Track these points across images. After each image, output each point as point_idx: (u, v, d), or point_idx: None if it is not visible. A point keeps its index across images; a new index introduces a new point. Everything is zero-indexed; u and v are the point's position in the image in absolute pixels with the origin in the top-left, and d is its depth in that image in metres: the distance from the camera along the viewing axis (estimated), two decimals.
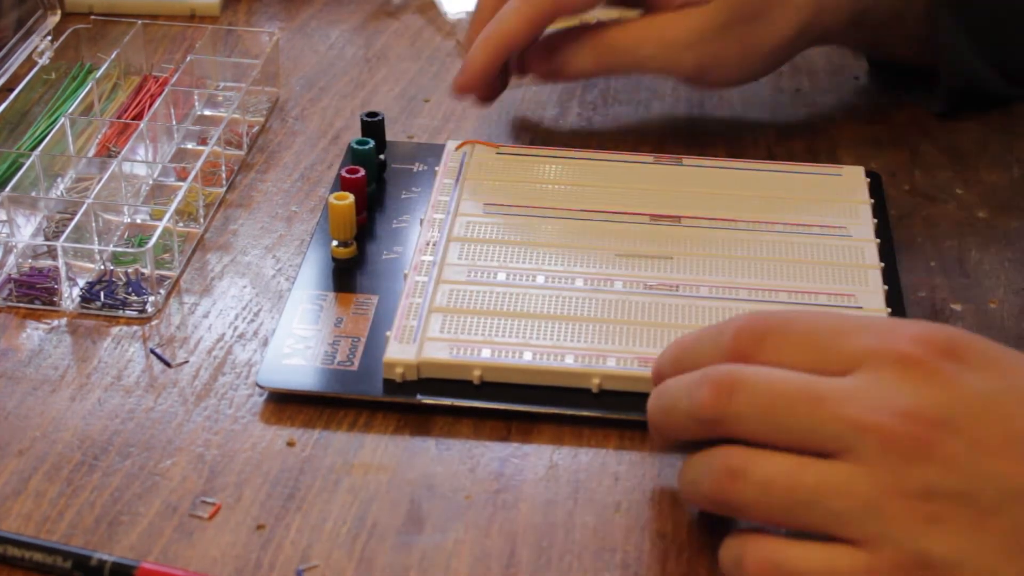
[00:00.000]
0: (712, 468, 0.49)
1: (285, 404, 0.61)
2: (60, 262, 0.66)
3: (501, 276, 0.66)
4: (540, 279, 0.65)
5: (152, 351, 0.64)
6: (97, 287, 0.67)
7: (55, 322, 0.66)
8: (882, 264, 0.67)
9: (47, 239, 0.70)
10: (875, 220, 0.70)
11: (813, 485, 0.46)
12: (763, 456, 0.47)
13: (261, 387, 0.61)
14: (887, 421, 0.46)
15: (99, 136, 0.77)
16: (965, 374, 0.47)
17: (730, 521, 0.54)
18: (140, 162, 0.75)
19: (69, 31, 0.84)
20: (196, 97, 0.80)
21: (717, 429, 0.48)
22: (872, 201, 0.71)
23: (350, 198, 0.67)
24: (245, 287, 0.68)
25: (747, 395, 0.48)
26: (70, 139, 0.75)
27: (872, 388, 0.47)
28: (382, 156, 0.75)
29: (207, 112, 0.80)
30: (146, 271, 0.67)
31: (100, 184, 0.71)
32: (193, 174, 0.71)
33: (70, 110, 0.76)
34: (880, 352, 0.47)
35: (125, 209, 0.71)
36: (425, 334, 0.62)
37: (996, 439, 0.46)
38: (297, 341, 0.63)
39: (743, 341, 0.49)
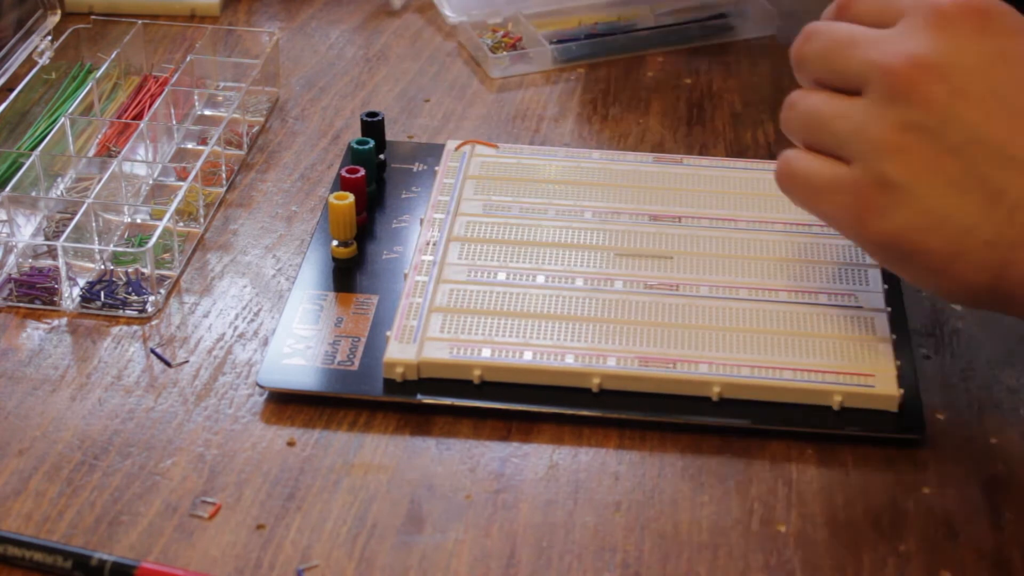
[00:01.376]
0: (784, 102, 0.59)
1: (285, 404, 0.61)
2: (60, 262, 0.66)
3: (501, 276, 0.66)
4: (540, 279, 0.66)
5: (152, 351, 0.64)
6: (97, 287, 0.67)
7: (55, 322, 0.66)
8: None
9: (47, 239, 0.70)
10: None
11: (829, 112, 0.56)
12: (810, 94, 0.57)
13: (261, 387, 0.61)
14: (893, 62, 0.53)
15: (99, 136, 0.77)
16: (981, 35, 0.53)
17: (732, 527, 0.54)
18: (140, 162, 0.75)
19: (69, 31, 0.84)
20: (196, 97, 0.80)
21: (800, 67, 0.59)
22: None
23: (350, 198, 0.67)
24: (245, 287, 0.68)
25: (816, 40, 0.58)
26: (70, 139, 0.75)
27: (900, 36, 0.54)
28: (382, 156, 0.75)
29: (207, 112, 0.80)
30: (146, 271, 0.67)
31: (100, 184, 0.71)
32: (193, 174, 0.71)
33: (70, 110, 0.76)
34: (924, 5, 0.54)
35: (125, 209, 0.71)
36: (425, 334, 0.62)
37: (978, 92, 0.53)
38: (297, 341, 0.63)
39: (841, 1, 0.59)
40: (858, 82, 0.55)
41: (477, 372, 0.61)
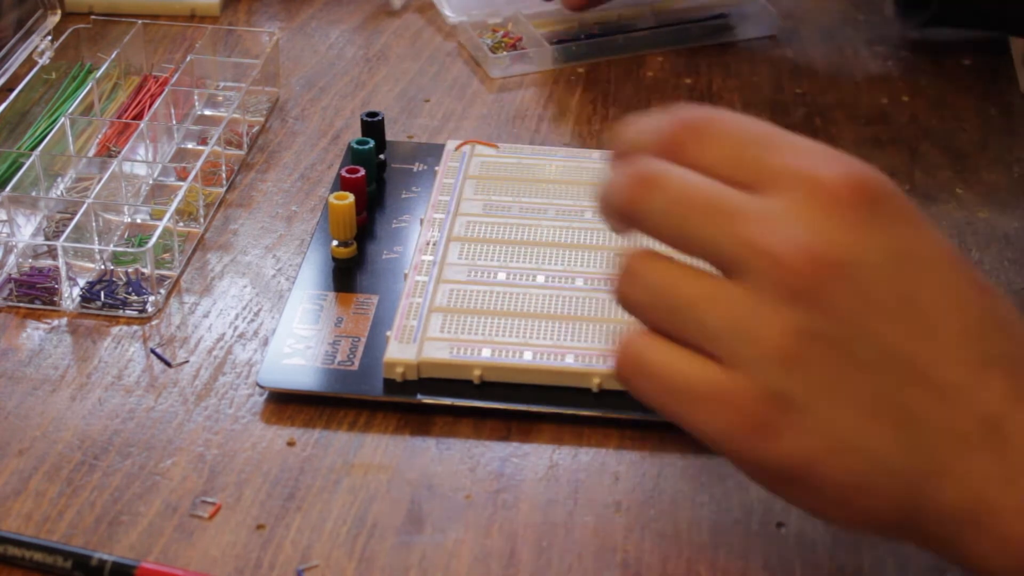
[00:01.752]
0: (619, 264, 0.47)
1: (285, 404, 0.61)
2: (60, 262, 0.66)
3: (501, 276, 0.66)
4: (540, 279, 0.66)
5: (152, 351, 0.64)
6: (97, 287, 0.67)
7: (55, 322, 0.66)
8: None
9: (47, 239, 0.70)
10: None
11: (693, 294, 0.45)
12: (658, 263, 0.46)
13: (261, 387, 0.61)
14: (784, 251, 0.43)
15: (99, 136, 0.77)
16: (879, 224, 0.44)
17: (729, 519, 0.54)
18: (140, 162, 0.75)
19: (69, 31, 0.84)
20: (196, 97, 0.80)
21: (631, 223, 0.47)
22: None
23: (350, 198, 0.67)
24: (245, 287, 0.68)
25: (660, 195, 0.45)
26: (70, 139, 0.75)
27: (781, 213, 0.44)
28: (382, 156, 0.75)
29: (207, 112, 0.80)
30: (146, 271, 0.67)
31: (100, 184, 0.71)
32: (193, 174, 0.71)
33: (70, 110, 0.76)
34: (804, 177, 0.44)
35: (125, 209, 0.71)
36: (425, 334, 0.62)
37: (891, 299, 0.44)
38: (297, 341, 0.63)
39: (674, 133, 0.46)
40: (729, 261, 0.44)
41: (477, 372, 0.61)
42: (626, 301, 0.47)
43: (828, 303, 0.43)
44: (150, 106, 0.78)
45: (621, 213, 0.47)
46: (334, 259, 0.68)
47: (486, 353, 0.61)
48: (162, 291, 0.67)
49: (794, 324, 0.43)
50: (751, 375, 0.44)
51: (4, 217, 0.70)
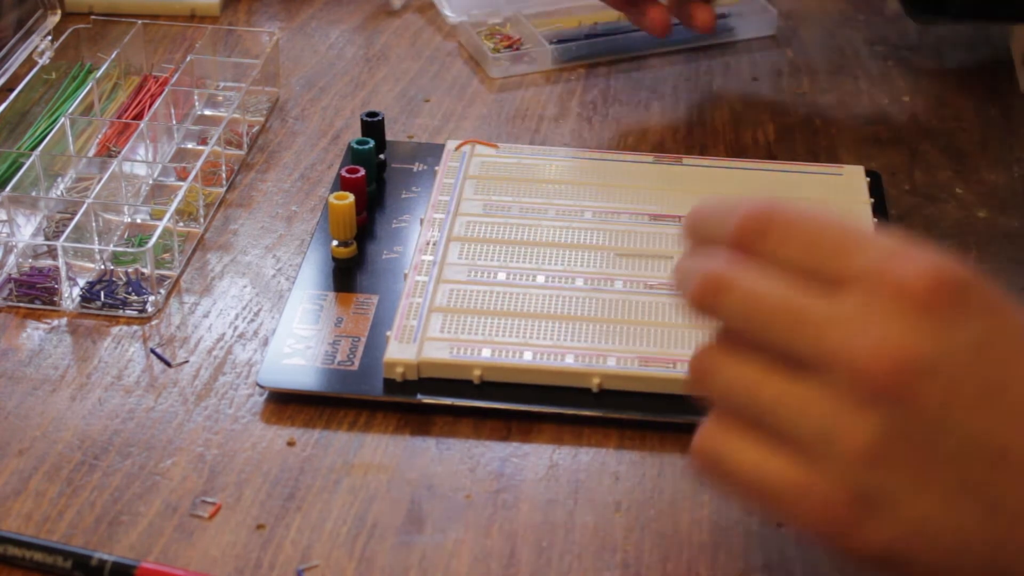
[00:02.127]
0: (693, 359, 0.47)
1: (285, 404, 0.61)
2: (60, 262, 0.66)
3: (501, 276, 0.66)
4: (540, 279, 0.66)
5: (152, 351, 0.64)
6: (97, 287, 0.67)
7: (55, 322, 0.66)
8: None
9: (47, 239, 0.70)
10: (875, 220, 0.70)
11: (773, 394, 0.45)
12: (734, 361, 0.46)
13: (261, 387, 0.61)
14: (865, 357, 0.43)
15: (99, 136, 0.77)
16: (961, 319, 0.44)
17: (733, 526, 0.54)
18: (140, 162, 0.75)
19: (69, 31, 0.84)
20: (196, 97, 0.80)
21: (707, 317, 0.47)
22: (872, 201, 0.71)
23: (350, 198, 0.67)
24: (245, 287, 0.68)
25: (732, 299, 0.46)
26: (70, 139, 0.75)
27: (859, 316, 0.44)
28: (382, 156, 0.75)
29: (207, 112, 0.80)
30: (146, 271, 0.67)
31: (100, 184, 0.71)
32: (193, 174, 0.71)
33: (70, 110, 0.76)
34: (880, 276, 0.44)
35: (125, 209, 0.71)
36: (425, 334, 0.62)
37: (973, 392, 0.44)
38: (297, 341, 0.63)
39: (747, 228, 0.46)
40: (808, 363, 0.44)
41: (477, 372, 0.61)
42: (703, 391, 0.47)
43: (912, 403, 0.43)
44: (150, 106, 0.78)
45: (696, 307, 0.47)
46: (334, 259, 0.68)
47: (486, 353, 0.61)
48: (162, 291, 0.67)
49: (878, 426, 0.43)
50: (835, 475, 0.44)
51: (4, 217, 0.70)
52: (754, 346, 0.46)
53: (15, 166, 0.74)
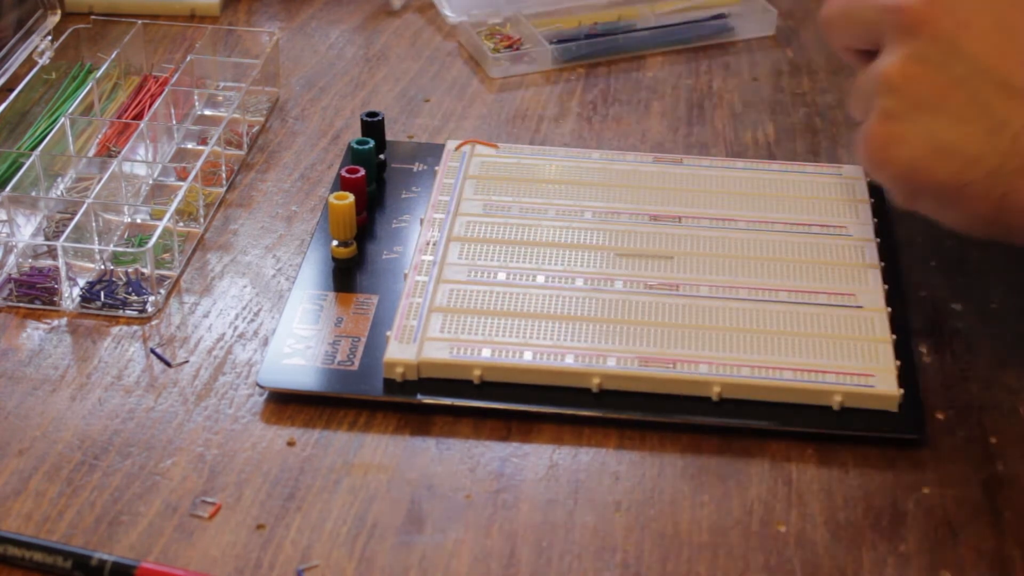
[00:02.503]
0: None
1: (285, 404, 0.61)
2: (60, 262, 0.66)
3: (501, 276, 0.66)
4: (540, 279, 0.65)
5: (152, 351, 0.64)
6: (97, 287, 0.67)
7: (55, 322, 0.66)
8: (882, 263, 0.67)
9: (47, 239, 0.70)
10: (875, 219, 0.70)
11: (861, 77, 0.60)
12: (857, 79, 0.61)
13: (261, 387, 0.61)
14: (904, 2, 0.56)
15: (99, 136, 0.77)
16: None
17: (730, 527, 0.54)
18: (140, 162, 0.75)
19: (69, 31, 0.84)
20: (196, 97, 0.80)
21: (829, 38, 0.64)
22: (872, 200, 0.71)
23: (350, 198, 0.67)
24: (245, 287, 0.68)
25: (834, 2, 0.62)
26: (70, 139, 0.75)
27: None
28: (382, 156, 0.75)
29: (207, 112, 0.80)
30: (146, 271, 0.67)
31: (100, 184, 0.71)
32: (193, 174, 0.71)
33: (70, 110, 0.76)
34: None
35: (125, 209, 0.71)
36: (425, 334, 0.62)
37: (982, 24, 0.55)
38: (297, 341, 0.63)
39: None
40: (878, 33, 0.58)
41: (477, 372, 0.61)
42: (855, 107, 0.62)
43: (930, 31, 0.55)
44: (150, 106, 0.78)
45: (821, 28, 0.64)
46: (334, 259, 0.68)
47: (486, 353, 0.61)
48: (162, 291, 0.67)
49: (903, 53, 0.56)
50: (876, 104, 0.57)
51: (4, 217, 0.70)
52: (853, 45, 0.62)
53: (15, 166, 0.74)
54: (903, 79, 0.56)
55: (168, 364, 0.63)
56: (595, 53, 0.87)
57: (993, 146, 0.55)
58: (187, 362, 0.63)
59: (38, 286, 0.67)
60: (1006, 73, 0.55)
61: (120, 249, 0.69)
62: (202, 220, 0.72)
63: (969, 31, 0.55)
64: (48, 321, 0.66)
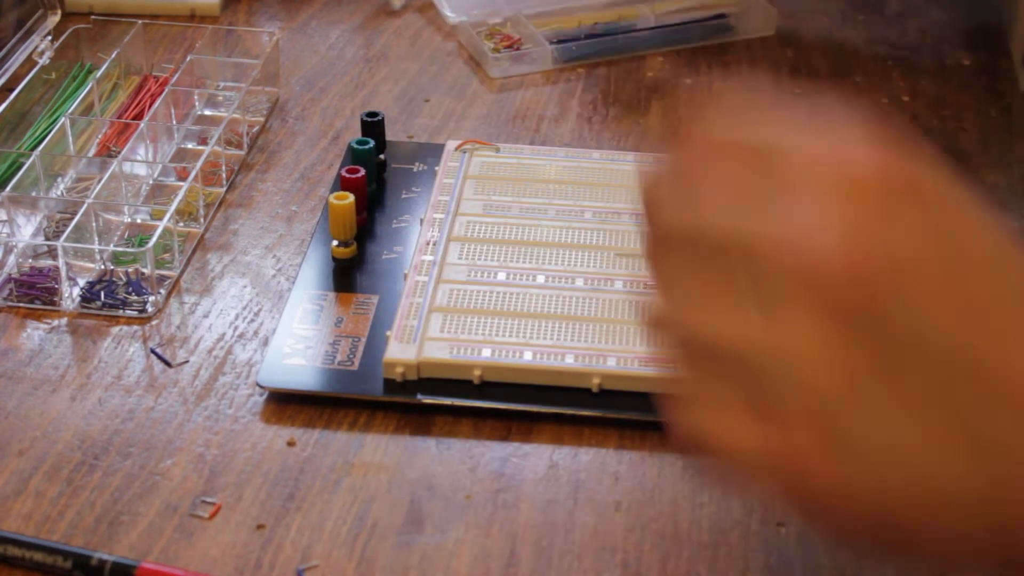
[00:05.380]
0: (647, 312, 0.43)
1: (285, 404, 0.61)
2: (60, 262, 0.66)
3: (501, 276, 0.66)
4: (540, 279, 0.66)
5: (152, 351, 0.64)
6: (97, 287, 0.67)
7: (55, 322, 0.66)
8: None
9: (47, 239, 0.69)
10: None
11: (737, 336, 0.40)
12: (695, 313, 0.42)
13: (261, 387, 0.61)
14: (821, 260, 0.38)
15: (99, 136, 0.77)
16: (917, 213, 0.39)
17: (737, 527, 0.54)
18: (140, 162, 0.75)
19: (69, 31, 0.84)
20: (196, 97, 0.80)
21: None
22: None
23: (350, 198, 0.67)
24: (245, 287, 0.68)
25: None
26: (70, 139, 0.75)
27: (807, 209, 0.38)
28: (382, 156, 0.75)
29: (207, 112, 0.80)
30: (146, 271, 0.67)
31: (100, 184, 0.71)
32: (193, 174, 0.71)
33: (70, 110, 0.76)
34: (828, 167, 0.39)
35: (125, 209, 0.71)
36: (425, 334, 0.62)
37: (935, 284, 0.38)
38: (297, 341, 0.63)
39: (683, 167, 0.41)
40: (769, 291, 0.39)
41: (477, 372, 0.61)
42: (664, 343, 0.44)
43: (874, 301, 0.37)
44: (150, 106, 0.78)
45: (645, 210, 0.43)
46: (334, 259, 0.68)
47: (486, 353, 0.61)
48: (162, 291, 0.67)
49: (842, 354, 0.38)
50: (806, 423, 0.39)
51: (4, 217, 0.70)
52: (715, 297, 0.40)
53: (15, 166, 0.74)
54: (854, 388, 0.37)
55: (168, 364, 0.63)
56: (595, 53, 0.87)
57: (979, 467, 0.38)
58: (187, 362, 0.63)
59: (38, 286, 0.67)
60: (971, 349, 0.38)
61: (120, 249, 0.69)
62: (202, 220, 0.72)
63: (921, 293, 0.38)
64: (48, 321, 0.66)
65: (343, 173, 0.69)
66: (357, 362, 0.62)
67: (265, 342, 0.64)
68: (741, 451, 0.40)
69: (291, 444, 0.59)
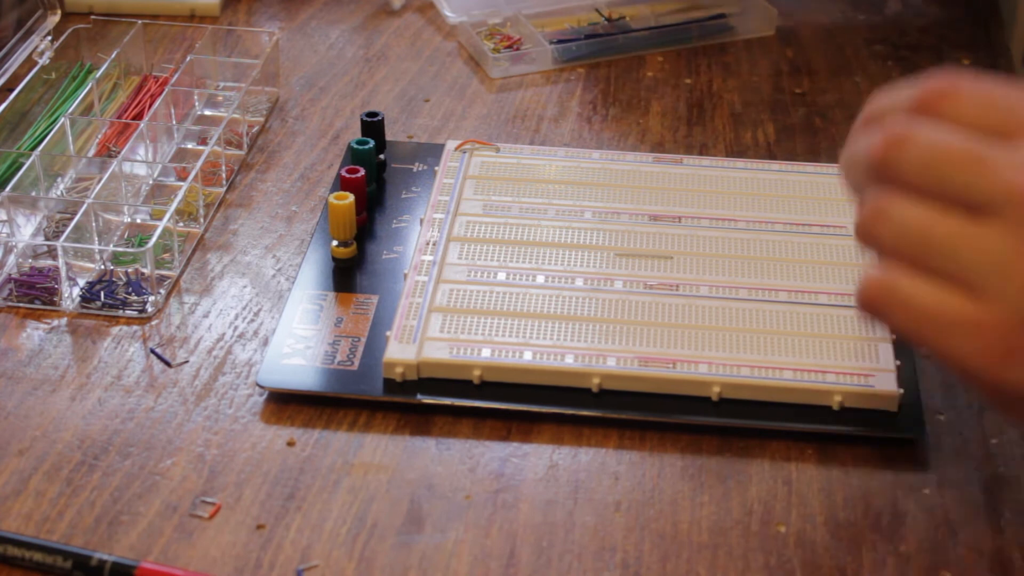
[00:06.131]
0: (863, 208, 0.49)
1: (285, 404, 0.61)
2: (60, 262, 0.66)
3: (501, 276, 0.66)
4: (540, 279, 0.66)
5: (152, 351, 0.64)
6: (97, 287, 0.67)
7: (55, 322, 0.66)
8: None
9: (47, 239, 0.70)
10: None
11: (949, 233, 0.46)
12: (909, 205, 0.47)
13: (261, 387, 0.61)
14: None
15: (99, 136, 0.77)
16: None
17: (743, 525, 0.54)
18: (140, 162, 0.75)
19: (69, 31, 0.84)
20: (196, 97, 0.80)
21: (884, 177, 0.48)
22: None
23: (350, 198, 0.67)
24: (245, 287, 0.68)
25: (915, 148, 0.48)
26: (70, 139, 0.75)
27: None
28: (382, 156, 0.75)
29: (207, 112, 0.80)
30: (146, 271, 0.67)
31: (100, 184, 0.71)
32: (193, 174, 0.71)
33: (70, 110, 0.76)
34: None
35: (125, 209, 0.71)
36: (425, 334, 0.62)
37: None
38: (297, 341, 0.63)
39: (928, 95, 0.48)
40: (984, 205, 0.46)
41: (477, 372, 0.61)
42: (873, 238, 0.48)
43: None
44: (150, 106, 0.78)
45: (873, 168, 0.48)
46: (334, 259, 0.68)
47: (486, 353, 0.61)
48: (162, 291, 0.67)
49: None
50: (1007, 306, 0.45)
51: (4, 217, 0.70)
52: (929, 194, 0.47)
53: (15, 166, 0.74)
54: None
55: (168, 364, 0.63)
56: (595, 53, 0.87)
57: None
58: (187, 362, 0.63)
59: (38, 286, 0.67)
60: None
61: (120, 249, 0.69)
62: (202, 220, 0.72)
63: None
64: (48, 321, 0.66)
65: (343, 173, 0.69)
66: (357, 362, 0.62)
67: (265, 342, 0.64)
68: (947, 313, 0.46)
69: (291, 444, 0.59)
